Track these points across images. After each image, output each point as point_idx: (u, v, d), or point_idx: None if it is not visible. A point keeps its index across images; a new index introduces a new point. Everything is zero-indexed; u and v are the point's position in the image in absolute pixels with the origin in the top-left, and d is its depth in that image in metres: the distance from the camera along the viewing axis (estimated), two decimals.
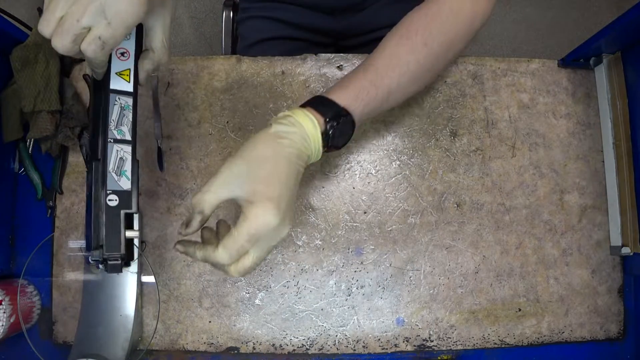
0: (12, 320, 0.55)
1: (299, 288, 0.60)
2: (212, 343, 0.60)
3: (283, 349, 0.60)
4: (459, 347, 0.60)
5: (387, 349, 0.60)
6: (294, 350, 0.60)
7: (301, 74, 0.64)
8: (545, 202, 0.63)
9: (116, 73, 0.41)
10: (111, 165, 0.41)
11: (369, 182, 0.62)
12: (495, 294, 0.61)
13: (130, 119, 0.42)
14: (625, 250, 0.60)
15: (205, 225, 0.43)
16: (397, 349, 0.60)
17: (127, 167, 0.41)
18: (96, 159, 0.41)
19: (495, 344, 0.61)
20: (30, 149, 0.62)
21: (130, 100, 0.42)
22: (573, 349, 0.62)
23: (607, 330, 0.62)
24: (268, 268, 0.60)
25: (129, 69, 0.42)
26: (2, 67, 0.59)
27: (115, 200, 0.41)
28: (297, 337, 0.60)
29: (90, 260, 0.41)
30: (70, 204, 0.61)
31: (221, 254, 0.39)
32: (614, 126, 0.62)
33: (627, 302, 0.63)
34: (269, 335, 0.60)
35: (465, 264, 0.61)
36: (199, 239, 0.45)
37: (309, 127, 0.43)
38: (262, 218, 0.38)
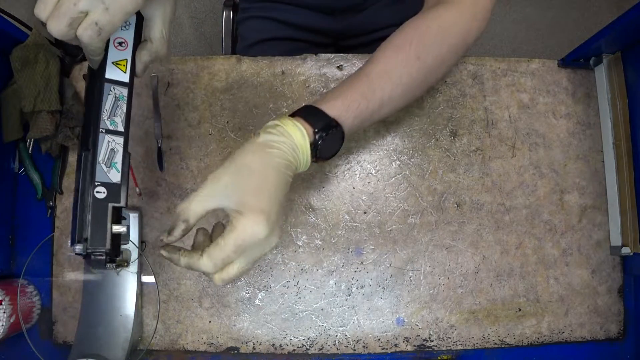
0: (12, 320, 0.55)
1: (299, 288, 0.60)
2: (212, 343, 0.60)
3: (283, 349, 0.60)
4: (459, 347, 0.60)
5: (387, 349, 0.60)
6: (294, 350, 0.60)
7: (301, 74, 0.64)
8: (545, 202, 0.63)
9: (113, 62, 0.40)
10: (101, 156, 0.39)
11: (369, 182, 0.62)
12: (495, 294, 0.61)
13: (124, 110, 0.41)
14: (625, 250, 0.60)
15: (200, 227, 0.43)
16: (397, 349, 0.60)
17: (118, 159, 0.40)
18: (86, 148, 0.39)
19: (495, 344, 0.61)
20: (30, 149, 0.62)
21: (125, 91, 0.41)
22: (573, 349, 0.62)
23: (607, 330, 0.62)
24: (268, 268, 0.60)
25: (126, 59, 0.41)
26: (2, 67, 0.59)
27: (104, 192, 0.39)
28: (297, 337, 0.60)
29: (74, 252, 0.39)
30: (70, 204, 0.61)
31: (206, 262, 0.38)
32: (614, 126, 0.62)
33: (627, 302, 0.63)
34: (269, 335, 0.60)
35: (465, 264, 0.61)
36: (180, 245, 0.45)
37: (297, 137, 0.42)
38: (250, 229, 0.37)
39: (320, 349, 0.60)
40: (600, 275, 0.62)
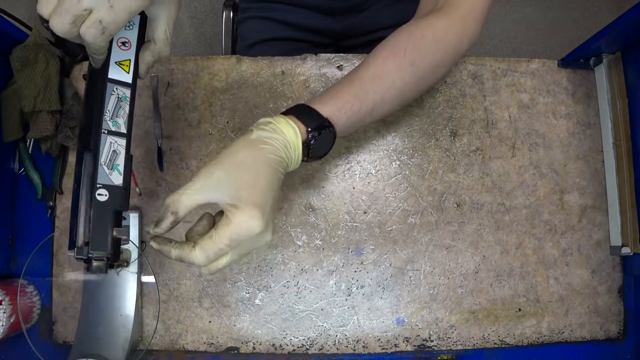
0: (12, 320, 0.55)
1: (299, 288, 0.60)
2: (212, 343, 0.60)
3: (283, 349, 0.60)
4: (459, 347, 0.60)
5: (387, 349, 0.60)
6: (294, 350, 0.60)
7: (301, 74, 0.64)
8: (545, 202, 0.63)
9: (116, 62, 0.39)
10: (103, 158, 0.38)
11: (369, 182, 0.62)
12: (495, 294, 0.61)
13: (127, 112, 0.40)
14: (625, 250, 0.60)
15: (206, 213, 0.43)
16: (397, 349, 0.60)
17: (120, 161, 0.39)
18: (87, 149, 0.38)
19: (495, 344, 0.61)
20: (30, 149, 0.62)
21: (128, 92, 0.40)
22: (573, 349, 0.62)
23: (607, 330, 0.62)
24: (268, 268, 0.60)
25: (129, 60, 0.40)
26: (2, 67, 0.59)
27: (105, 195, 0.38)
28: (297, 337, 0.60)
29: (74, 257, 0.38)
30: (70, 204, 0.61)
31: (198, 255, 0.38)
32: (614, 126, 0.62)
33: (627, 302, 0.63)
34: (269, 335, 0.60)
35: (465, 264, 0.61)
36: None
37: (290, 135, 0.42)
38: (246, 224, 0.37)
39: (320, 349, 0.60)
40: (600, 275, 0.62)
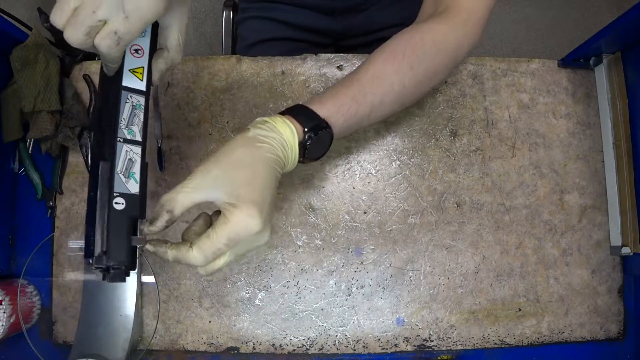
0: (12, 320, 0.55)
1: (299, 288, 0.60)
2: (212, 343, 0.60)
3: (283, 349, 0.60)
4: (459, 347, 0.60)
5: (387, 349, 0.60)
6: (294, 350, 0.60)
7: (301, 74, 0.64)
8: (545, 202, 0.63)
9: (129, 70, 0.39)
10: (119, 166, 0.38)
11: (369, 182, 0.62)
12: (495, 294, 0.61)
13: (142, 119, 0.40)
14: (625, 250, 0.60)
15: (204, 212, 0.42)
16: (397, 349, 0.60)
17: (136, 169, 0.39)
18: (103, 158, 0.38)
19: (495, 344, 0.61)
20: (30, 149, 0.62)
21: (142, 100, 0.40)
22: (573, 349, 0.62)
23: (607, 330, 0.62)
24: (268, 268, 0.60)
25: (143, 67, 0.40)
26: (2, 67, 0.59)
27: (122, 204, 0.38)
28: (297, 337, 0.60)
29: (92, 267, 0.38)
30: (70, 204, 0.61)
31: (196, 255, 0.37)
32: (614, 126, 0.62)
33: (627, 302, 0.63)
34: (269, 335, 0.60)
35: (465, 264, 0.61)
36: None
37: (287, 134, 0.42)
38: (244, 222, 0.37)
39: (320, 349, 0.60)
40: (600, 275, 0.62)
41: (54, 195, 0.61)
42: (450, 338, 0.60)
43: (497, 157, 0.63)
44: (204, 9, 1.61)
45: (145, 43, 0.40)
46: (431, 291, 0.61)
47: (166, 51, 0.41)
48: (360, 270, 0.61)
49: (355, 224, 0.61)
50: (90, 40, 0.32)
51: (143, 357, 0.59)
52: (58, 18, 0.32)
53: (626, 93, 0.60)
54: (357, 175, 0.62)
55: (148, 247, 0.40)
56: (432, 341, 0.60)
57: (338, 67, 0.64)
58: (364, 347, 0.60)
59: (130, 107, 0.39)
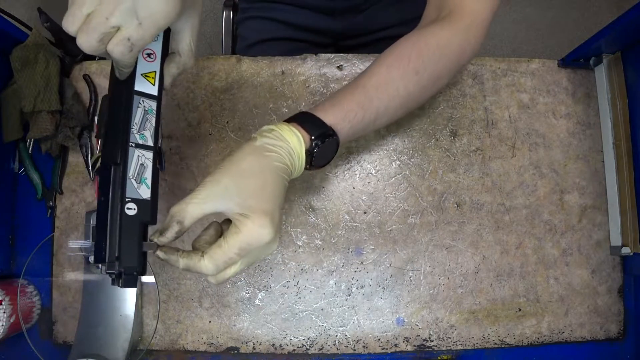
0: (12, 320, 0.55)
1: (299, 288, 0.60)
2: (212, 343, 0.60)
3: (283, 349, 0.60)
4: (459, 347, 0.60)
5: (387, 349, 0.60)
6: (294, 350, 0.60)
7: (301, 74, 0.64)
8: (545, 202, 0.63)
9: (141, 74, 0.39)
10: (131, 172, 0.38)
11: (369, 182, 0.62)
12: (495, 294, 0.61)
13: (153, 124, 0.39)
14: (625, 250, 0.60)
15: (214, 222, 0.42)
16: (397, 349, 0.60)
17: (148, 174, 0.39)
18: (115, 163, 0.38)
19: (495, 344, 0.61)
20: (30, 149, 0.62)
21: (154, 105, 0.40)
22: (573, 349, 0.62)
23: (607, 330, 0.62)
24: (268, 268, 0.60)
25: (155, 72, 0.40)
26: (2, 67, 0.59)
27: (134, 209, 0.38)
28: (297, 337, 0.60)
29: (104, 272, 0.37)
30: (70, 204, 0.61)
31: (207, 264, 0.37)
32: (614, 126, 0.62)
33: (627, 302, 0.63)
34: (269, 335, 0.60)
35: (465, 264, 0.61)
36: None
37: (294, 142, 0.42)
38: (256, 232, 0.37)
39: (320, 349, 0.60)
40: (600, 275, 0.62)
41: (54, 195, 0.61)
42: (450, 338, 0.60)
43: (497, 157, 0.63)
44: (204, 9, 1.61)
45: (157, 47, 0.40)
46: (431, 291, 0.61)
47: (178, 56, 0.41)
48: (360, 270, 0.61)
49: (355, 224, 0.61)
50: (104, 46, 0.32)
51: (143, 357, 0.59)
52: (70, 24, 0.31)
53: (626, 93, 0.60)
54: (357, 175, 0.62)
55: (159, 254, 0.40)
56: (432, 341, 0.60)
57: (338, 67, 0.64)
58: (364, 347, 0.60)
59: (142, 112, 0.39)
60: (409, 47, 0.48)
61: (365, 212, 0.61)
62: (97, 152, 0.61)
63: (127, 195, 0.37)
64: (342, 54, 0.64)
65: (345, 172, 0.62)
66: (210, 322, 0.60)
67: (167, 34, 0.40)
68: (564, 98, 0.65)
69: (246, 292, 0.60)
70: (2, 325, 0.54)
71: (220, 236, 0.41)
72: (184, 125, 0.62)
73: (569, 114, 0.64)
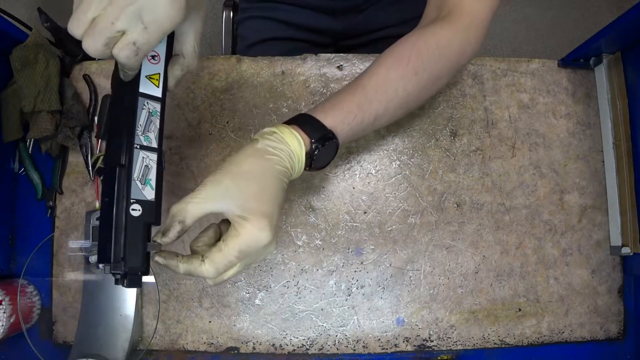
0: (12, 320, 0.55)
1: (299, 288, 0.60)
2: (212, 343, 0.60)
3: (283, 349, 0.60)
4: (459, 347, 0.60)
5: (387, 349, 0.60)
6: (294, 350, 0.60)
7: (301, 74, 0.64)
8: (545, 202, 0.63)
9: (146, 76, 0.39)
10: (136, 173, 0.38)
11: (369, 182, 0.62)
12: (495, 294, 0.61)
13: (157, 126, 0.40)
14: (625, 250, 0.60)
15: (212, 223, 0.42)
16: (397, 349, 0.60)
17: (152, 176, 0.39)
18: (120, 164, 0.38)
19: (495, 344, 0.61)
20: (30, 149, 0.62)
21: (158, 106, 0.40)
22: (573, 349, 0.62)
23: (607, 330, 0.62)
24: (268, 268, 0.60)
25: (159, 74, 0.40)
26: (2, 67, 0.59)
27: (139, 210, 0.38)
28: (297, 337, 0.60)
29: (108, 272, 0.38)
30: (70, 204, 0.61)
31: (208, 268, 0.38)
32: (614, 126, 0.62)
33: (627, 302, 0.63)
34: (269, 335, 0.60)
35: (465, 264, 0.61)
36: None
37: (295, 146, 0.42)
38: (255, 235, 0.38)
39: (320, 349, 0.60)
40: (600, 275, 0.62)
41: (54, 195, 0.61)
42: (450, 338, 0.60)
43: (497, 157, 0.63)
44: None
45: (162, 49, 0.40)
46: (431, 291, 0.61)
47: (182, 57, 0.41)
48: (360, 270, 0.61)
49: (355, 224, 0.61)
50: (109, 50, 0.32)
51: (143, 357, 0.59)
52: (75, 28, 0.31)
53: (626, 93, 0.60)
54: (357, 175, 0.62)
55: (159, 259, 0.40)
56: (432, 341, 0.60)
57: (338, 67, 0.64)
58: (364, 347, 0.60)
59: (147, 114, 0.39)
60: (408, 47, 0.48)
61: (365, 212, 0.61)
62: (97, 152, 0.61)
63: (132, 197, 0.38)
64: (342, 54, 0.64)
65: (345, 172, 0.62)
66: (210, 322, 0.60)
67: (171, 36, 0.40)
68: (564, 98, 0.65)
69: (246, 292, 0.60)
70: (2, 325, 0.54)
71: (218, 237, 0.41)
72: (184, 125, 0.62)
73: (569, 114, 0.64)
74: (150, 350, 0.60)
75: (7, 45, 0.58)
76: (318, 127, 0.44)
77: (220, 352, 0.60)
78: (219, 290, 0.60)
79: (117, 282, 0.38)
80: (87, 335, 0.56)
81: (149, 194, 0.39)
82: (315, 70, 0.64)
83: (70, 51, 0.62)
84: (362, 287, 0.61)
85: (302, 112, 0.46)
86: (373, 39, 0.82)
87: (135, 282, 0.38)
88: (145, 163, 0.39)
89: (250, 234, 0.38)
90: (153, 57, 0.39)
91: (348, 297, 0.60)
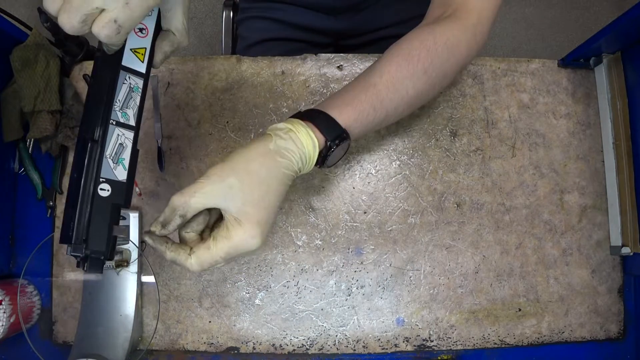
0: (12, 320, 0.55)
1: (299, 288, 0.60)
2: (212, 343, 0.60)
3: (283, 349, 0.60)
4: (459, 347, 0.60)
5: (387, 349, 0.60)
6: (294, 350, 0.60)
7: (301, 74, 0.64)
8: (545, 202, 0.63)
9: (131, 49, 0.37)
10: (109, 150, 0.36)
11: (369, 182, 0.62)
12: (495, 294, 0.61)
13: (138, 103, 0.37)
14: (625, 250, 0.60)
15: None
16: (397, 349, 0.60)
17: (126, 155, 0.37)
18: (92, 139, 0.35)
19: (495, 344, 0.61)
20: (30, 149, 0.62)
21: (140, 83, 0.37)
22: (573, 349, 0.62)
23: (607, 330, 0.62)
24: (268, 268, 0.60)
25: (145, 48, 0.37)
26: (2, 67, 0.59)
27: (108, 190, 0.36)
28: (297, 337, 0.60)
29: (68, 254, 0.35)
30: None
31: (194, 264, 0.38)
32: (614, 126, 0.62)
33: (627, 302, 0.63)
34: (269, 335, 0.60)
35: (465, 264, 0.61)
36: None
37: (309, 147, 0.42)
38: (245, 241, 0.38)
39: (320, 349, 0.60)
40: (600, 275, 0.62)
41: (54, 195, 0.61)
42: (450, 338, 0.60)
43: (497, 157, 0.63)
44: (204, 9, 1.61)
45: (150, 23, 0.37)
46: (431, 291, 0.61)
47: (172, 34, 0.39)
48: (360, 270, 0.61)
49: (355, 224, 0.61)
50: (87, 27, 0.30)
51: (143, 357, 0.59)
52: (50, 4, 0.29)
53: (626, 93, 0.60)
54: (357, 175, 0.62)
55: (148, 240, 0.40)
56: (432, 341, 0.60)
57: (338, 67, 0.64)
58: (364, 347, 0.60)
59: (128, 89, 0.37)
60: (417, 45, 0.47)
61: (365, 212, 0.61)
62: None
63: (101, 175, 0.36)
64: (342, 54, 0.64)
65: (345, 172, 0.62)
66: (210, 322, 0.60)
67: (158, 12, 0.39)
68: (564, 98, 0.65)
69: (246, 292, 0.60)
70: (2, 325, 0.54)
71: (206, 224, 0.42)
72: (184, 125, 0.62)
73: (569, 114, 0.64)
74: (150, 350, 0.60)
75: (7, 45, 0.58)
76: (333, 126, 0.43)
77: (220, 352, 0.60)
78: (219, 290, 0.60)
79: (77, 264, 0.36)
80: (87, 335, 0.56)
81: (121, 174, 0.37)
82: (315, 70, 0.64)
83: (70, 51, 0.62)
84: (362, 287, 0.61)
85: (314, 107, 0.45)
86: (373, 39, 0.82)
87: (96, 267, 0.36)
88: (120, 141, 0.37)
89: (241, 239, 0.38)
90: (141, 30, 0.37)
91: (348, 297, 0.60)
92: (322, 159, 0.44)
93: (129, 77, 0.37)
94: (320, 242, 0.61)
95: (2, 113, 0.60)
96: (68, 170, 0.62)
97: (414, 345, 0.60)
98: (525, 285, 0.61)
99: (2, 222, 0.61)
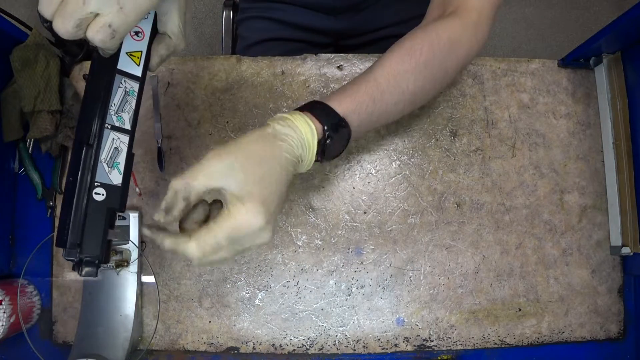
0: (12, 320, 0.55)
1: (299, 288, 0.60)
2: (212, 343, 0.60)
3: (283, 349, 0.60)
4: (459, 347, 0.60)
5: (387, 349, 0.60)
6: (294, 350, 0.60)
7: (301, 74, 0.64)
8: (545, 202, 0.63)
9: (127, 53, 0.37)
10: (104, 154, 0.36)
11: (369, 182, 0.62)
12: (495, 294, 0.61)
13: (133, 107, 0.37)
14: (625, 250, 0.60)
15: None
16: (397, 349, 0.60)
17: (121, 159, 0.37)
18: (87, 143, 0.35)
19: (495, 344, 0.61)
20: (30, 149, 0.62)
21: (136, 86, 0.37)
22: (573, 349, 0.62)
23: (607, 330, 0.62)
24: (268, 268, 0.60)
25: (141, 52, 0.37)
26: (2, 67, 0.59)
27: (103, 194, 0.36)
28: (297, 337, 0.60)
29: (63, 257, 0.36)
30: None
31: (194, 247, 0.36)
32: (614, 126, 0.62)
33: (627, 302, 0.63)
34: (269, 335, 0.60)
35: (465, 264, 0.61)
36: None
37: (307, 133, 0.41)
38: (247, 218, 0.36)
39: (320, 349, 0.60)
40: (600, 275, 0.62)
41: (54, 195, 0.61)
42: (450, 338, 0.60)
43: (497, 157, 0.63)
44: (204, 9, 1.61)
45: (147, 26, 0.37)
46: (431, 291, 0.61)
47: (168, 38, 0.39)
48: (360, 270, 0.61)
49: (355, 224, 0.61)
50: (82, 32, 0.30)
51: (143, 357, 0.59)
52: (46, 8, 0.29)
53: (626, 93, 0.60)
54: (357, 175, 0.62)
55: (146, 231, 0.39)
56: (432, 341, 0.60)
57: (338, 67, 0.64)
58: (364, 347, 0.60)
59: (123, 93, 0.37)
60: (419, 40, 0.47)
61: (365, 212, 0.61)
62: None
63: (96, 179, 0.36)
64: (342, 54, 0.64)
65: (345, 172, 0.62)
66: (210, 322, 0.60)
67: (154, 15, 0.39)
68: (564, 98, 0.65)
69: (246, 292, 0.60)
70: (2, 325, 0.54)
71: (207, 218, 0.40)
72: (184, 125, 0.62)
73: (569, 114, 0.64)
74: (150, 350, 0.60)
75: (7, 45, 0.58)
76: (330, 113, 0.43)
77: (220, 352, 0.60)
78: (219, 290, 0.60)
79: (73, 268, 0.36)
80: (87, 335, 0.56)
81: (116, 178, 0.37)
82: (315, 70, 0.64)
83: (70, 51, 0.62)
84: (362, 287, 0.61)
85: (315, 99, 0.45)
86: (373, 39, 0.82)
87: (91, 272, 0.36)
88: (115, 145, 0.37)
89: (243, 216, 0.36)
90: (137, 33, 0.37)
91: (348, 297, 0.60)
92: (322, 151, 0.43)
93: (125, 81, 0.37)
94: (320, 242, 0.61)
95: (2, 113, 0.60)
96: (68, 170, 0.62)
97: (414, 345, 0.60)
98: (525, 285, 0.61)
99: (2, 222, 0.61)
